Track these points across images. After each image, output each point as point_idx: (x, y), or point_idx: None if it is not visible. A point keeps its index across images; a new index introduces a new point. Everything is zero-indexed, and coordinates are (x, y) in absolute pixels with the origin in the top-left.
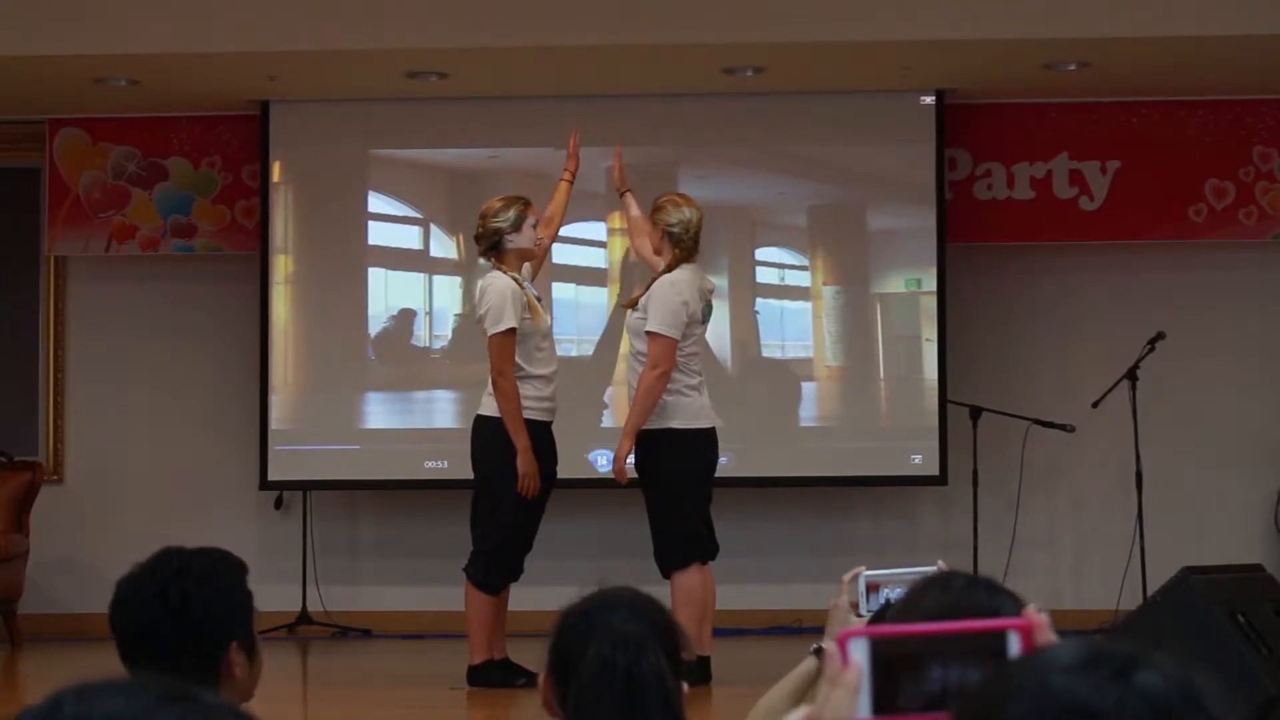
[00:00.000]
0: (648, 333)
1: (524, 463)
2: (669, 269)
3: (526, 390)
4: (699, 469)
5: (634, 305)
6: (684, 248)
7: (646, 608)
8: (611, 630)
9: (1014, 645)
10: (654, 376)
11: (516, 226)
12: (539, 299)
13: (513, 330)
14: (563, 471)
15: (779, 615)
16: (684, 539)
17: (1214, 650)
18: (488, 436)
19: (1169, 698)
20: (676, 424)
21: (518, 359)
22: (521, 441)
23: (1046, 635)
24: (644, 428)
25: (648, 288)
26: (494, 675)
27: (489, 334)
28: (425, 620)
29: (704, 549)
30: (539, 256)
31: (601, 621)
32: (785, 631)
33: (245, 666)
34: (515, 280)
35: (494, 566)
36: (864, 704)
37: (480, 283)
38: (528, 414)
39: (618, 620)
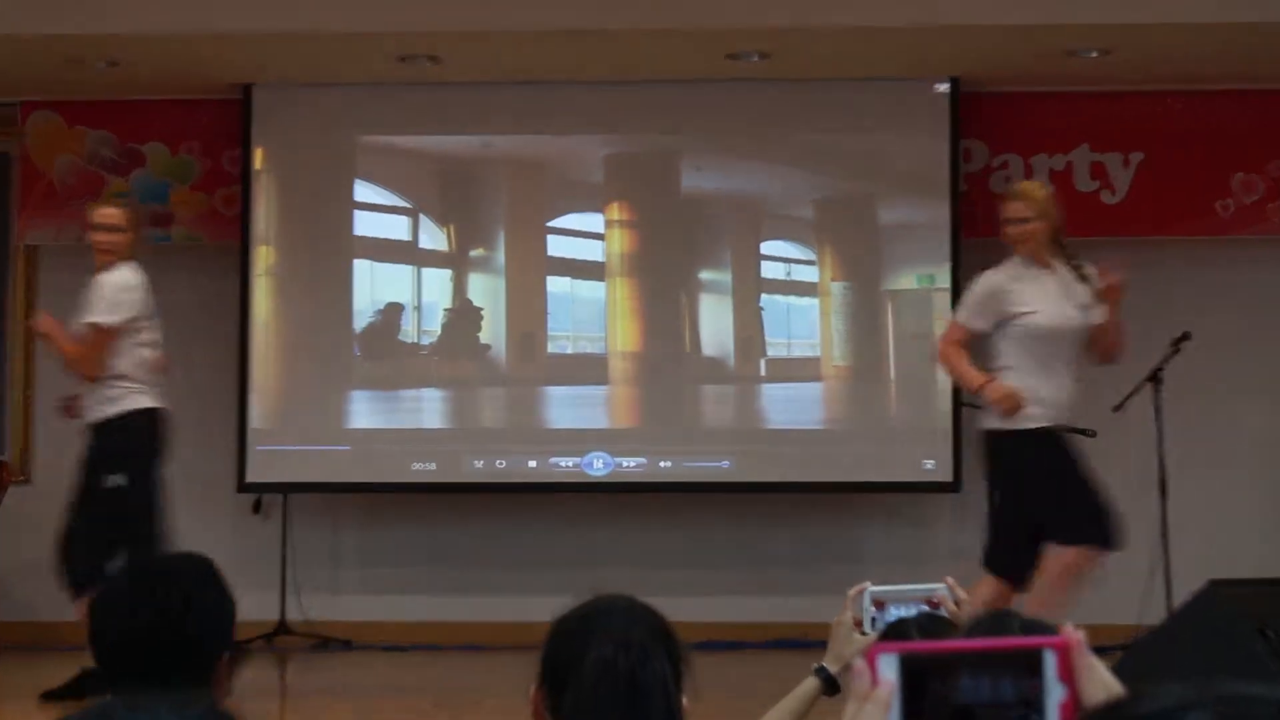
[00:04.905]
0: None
1: None
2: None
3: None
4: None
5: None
6: None
7: (646, 615)
8: (613, 633)
9: (1050, 665)
10: None
11: None
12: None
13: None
14: (557, 476)
15: (782, 629)
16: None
17: (1241, 667)
18: None
19: None
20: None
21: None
22: None
23: (1083, 655)
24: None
25: (1083, 273)
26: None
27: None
28: (410, 631)
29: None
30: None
31: (601, 626)
32: (789, 646)
33: (228, 679)
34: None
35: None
36: None
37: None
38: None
39: (617, 625)
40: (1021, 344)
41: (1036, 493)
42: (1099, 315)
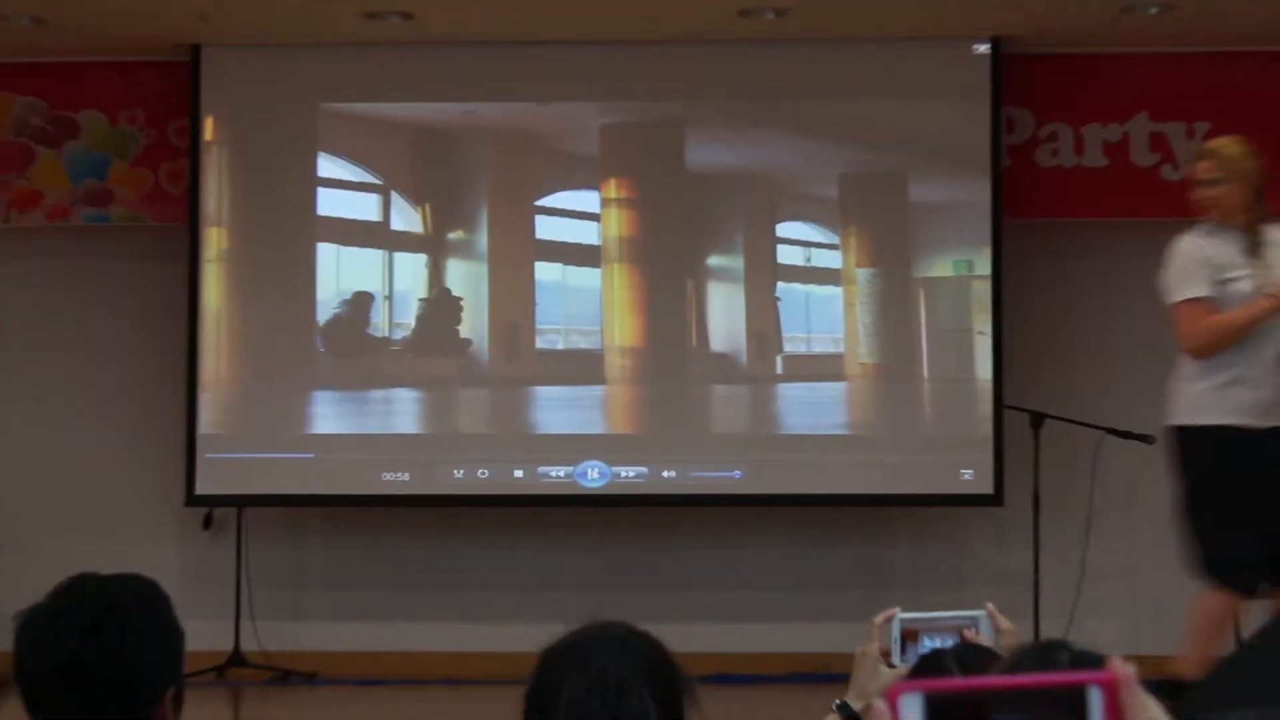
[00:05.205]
0: None
1: None
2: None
3: None
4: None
5: None
6: None
7: (639, 646)
8: (591, 670)
9: (1095, 703)
10: None
11: None
12: None
13: None
14: (547, 488)
15: (801, 660)
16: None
17: None
18: None
19: None
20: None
21: None
22: None
23: (1133, 691)
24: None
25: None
26: None
27: None
28: (380, 662)
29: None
30: None
31: (581, 660)
32: (808, 679)
33: (174, 718)
34: None
35: None
36: None
37: None
38: None
39: (602, 659)
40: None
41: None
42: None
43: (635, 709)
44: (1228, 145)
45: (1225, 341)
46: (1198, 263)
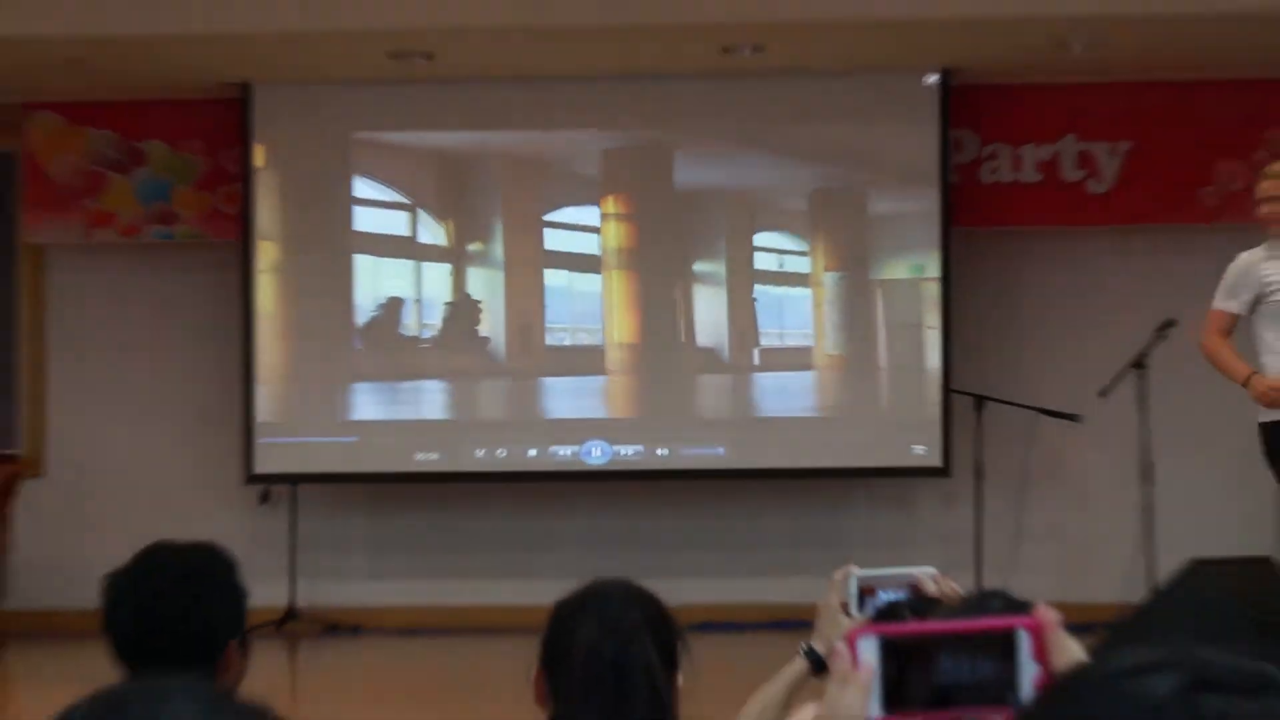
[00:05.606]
0: None
1: None
2: None
3: None
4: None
5: None
6: None
7: (640, 599)
8: (601, 619)
9: (1024, 645)
10: None
11: None
12: None
13: None
14: (556, 465)
15: (777, 610)
16: None
17: (1223, 644)
18: None
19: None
20: None
21: None
22: None
23: (1056, 634)
24: None
25: None
26: None
27: None
28: (416, 615)
29: None
30: None
31: (592, 611)
32: (783, 627)
33: (239, 664)
34: None
35: None
36: (875, 704)
37: None
38: None
39: (609, 610)
40: (1278, 325)
41: None
42: None
43: (638, 654)
44: None
45: (1211, 363)
46: (1242, 277)
